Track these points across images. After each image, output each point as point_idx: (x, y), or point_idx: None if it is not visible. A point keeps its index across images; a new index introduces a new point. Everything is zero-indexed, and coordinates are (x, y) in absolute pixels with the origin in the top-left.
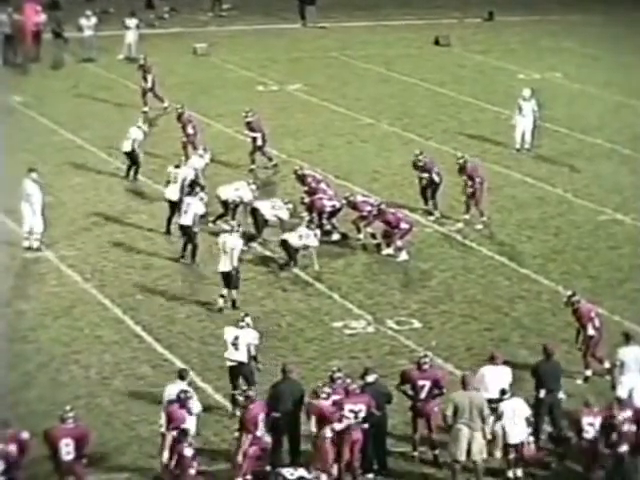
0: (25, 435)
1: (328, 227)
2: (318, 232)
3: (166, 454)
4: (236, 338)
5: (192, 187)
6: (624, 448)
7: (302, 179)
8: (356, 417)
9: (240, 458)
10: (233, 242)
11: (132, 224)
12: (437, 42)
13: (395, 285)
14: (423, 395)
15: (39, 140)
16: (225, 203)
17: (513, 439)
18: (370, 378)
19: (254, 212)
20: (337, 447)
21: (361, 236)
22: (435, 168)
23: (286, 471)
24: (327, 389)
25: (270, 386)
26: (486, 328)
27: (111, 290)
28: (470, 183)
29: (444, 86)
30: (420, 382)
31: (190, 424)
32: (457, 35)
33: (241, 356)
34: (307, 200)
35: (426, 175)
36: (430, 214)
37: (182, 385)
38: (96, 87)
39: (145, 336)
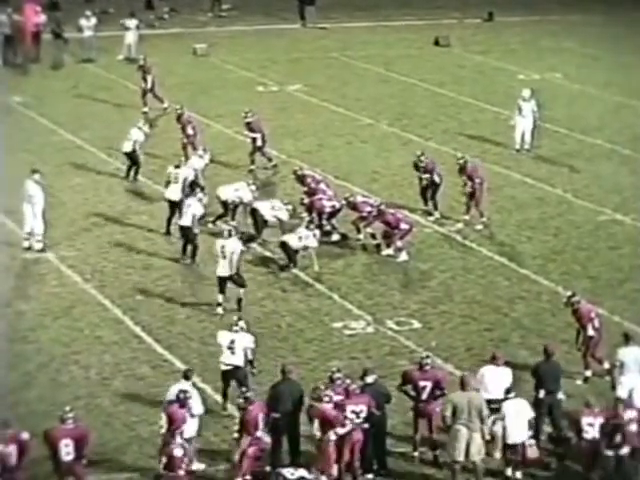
0: (25, 435)
1: (328, 228)
2: (318, 232)
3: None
4: (232, 342)
5: (192, 188)
6: (627, 449)
7: (302, 179)
8: (358, 417)
9: (237, 457)
10: (232, 246)
11: (132, 225)
12: (437, 42)
13: (395, 285)
14: (425, 396)
15: (39, 140)
16: (225, 203)
17: (513, 439)
18: (369, 379)
19: (254, 213)
20: (339, 448)
21: (361, 236)
22: (436, 169)
23: (286, 471)
24: (330, 392)
25: (270, 387)
26: (486, 328)
27: (111, 291)
28: (470, 183)
29: (444, 86)
30: (422, 383)
31: (192, 425)
32: (457, 35)
33: (237, 360)
34: (307, 200)
35: (427, 176)
36: (430, 215)
37: (186, 385)
38: (96, 87)
39: (145, 337)
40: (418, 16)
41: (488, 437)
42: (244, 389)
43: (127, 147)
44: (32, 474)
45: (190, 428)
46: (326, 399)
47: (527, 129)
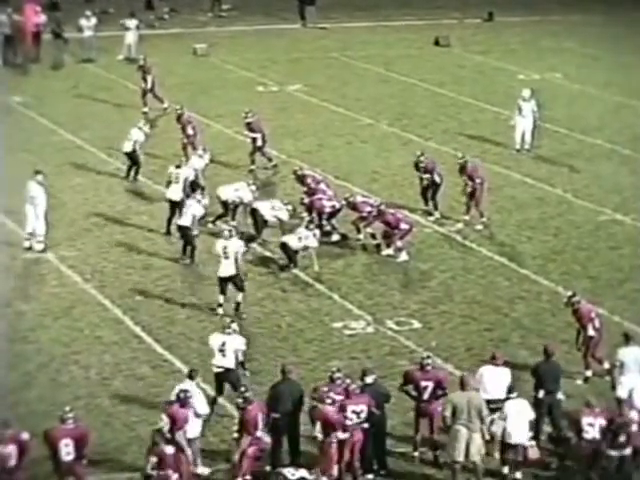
0: (25, 436)
1: (328, 228)
2: (317, 232)
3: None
4: (223, 344)
5: (192, 188)
6: (630, 450)
7: (302, 179)
8: (358, 417)
9: (237, 457)
10: (235, 246)
11: (132, 225)
12: (437, 42)
13: (395, 285)
14: (426, 396)
15: (39, 140)
16: (225, 203)
17: (514, 440)
18: (369, 379)
19: (254, 213)
20: (340, 450)
21: (361, 237)
22: (437, 169)
23: (287, 471)
24: (332, 394)
25: (270, 387)
26: (486, 328)
27: (111, 291)
28: (470, 183)
29: (444, 86)
30: (423, 383)
31: (195, 426)
32: (457, 35)
33: (228, 362)
34: (307, 200)
35: (427, 176)
36: (430, 215)
37: (190, 385)
38: (96, 88)
39: (145, 337)
40: (418, 16)
41: (488, 437)
42: (243, 389)
43: (127, 147)
44: (32, 474)
45: (194, 428)
46: (328, 401)
47: (527, 129)
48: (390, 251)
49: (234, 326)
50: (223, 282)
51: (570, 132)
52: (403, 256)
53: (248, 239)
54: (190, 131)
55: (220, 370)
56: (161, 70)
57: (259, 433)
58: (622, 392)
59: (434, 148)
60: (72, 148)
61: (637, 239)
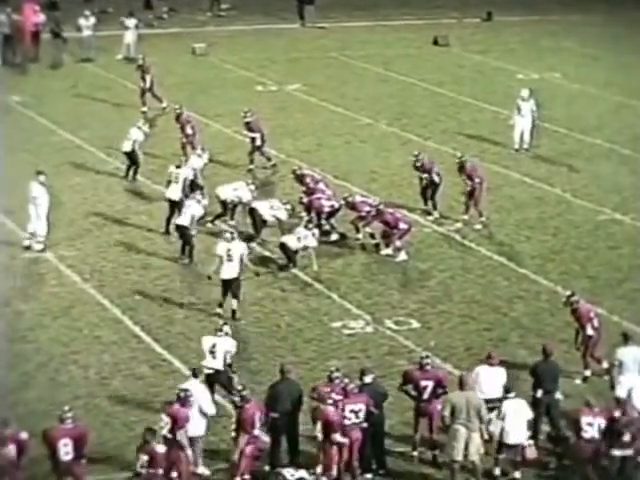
0: (24, 435)
1: (327, 227)
2: (317, 232)
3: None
4: (213, 346)
5: (191, 188)
6: (632, 450)
7: (301, 179)
8: (356, 417)
9: (236, 457)
10: (240, 249)
11: (131, 224)
12: (436, 42)
13: (394, 285)
14: (426, 396)
15: (38, 140)
16: (224, 203)
17: (511, 440)
18: (368, 378)
19: (252, 212)
20: (340, 451)
21: (360, 236)
22: (435, 168)
23: (286, 472)
24: (334, 395)
25: (269, 386)
26: (485, 328)
27: (110, 290)
28: (469, 183)
29: (443, 86)
30: (423, 382)
31: (200, 424)
32: (456, 35)
33: (218, 364)
34: (305, 200)
35: (426, 176)
36: (429, 214)
37: (194, 383)
38: (95, 87)
39: (144, 336)
40: (417, 16)
41: (487, 437)
42: (240, 387)
43: (127, 147)
44: (31, 474)
45: (198, 427)
46: (330, 401)
47: (526, 129)
48: (389, 251)
49: (226, 328)
50: (226, 284)
51: (569, 132)
52: (402, 256)
53: (247, 239)
54: (189, 130)
55: (210, 372)
56: (160, 69)
57: (256, 432)
58: (621, 392)
59: (433, 148)
60: (71, 148)
61: (636, 239)
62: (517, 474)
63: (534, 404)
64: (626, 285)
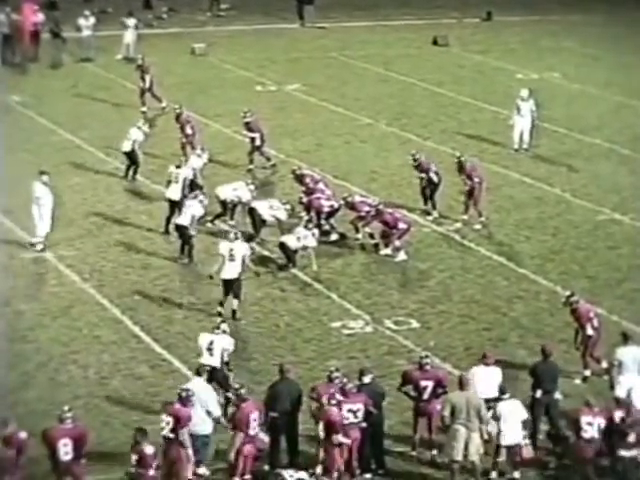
0: (23, 435)
1: (326, 227)
2: (316, 232)
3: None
4: (211, 343)
5: (191, 187)
6: (637, 450)
7: (300, 179)
8: (355, 417)
9: (232, 456)
10: (242, 249)
11: (131, 224)
12: (436, 42)
13: (393, 285)
14: (426, 396)
15: (37, 140)
16: (224, 203)
17: (507, 441)
18: (366, 379)
19: (252, 212)
20: (342, 451)
21: (359, 236)
22: (433, 168)
23: (286, 472)
24: (338, 396)
25: (268, 386)
26: (484, 328)
27: (110, 290)
28: (469, 182)
29: (443, 86)
30: (423, 383)
31: (208, 426)
32: (456, 35)
33: (215, 361)
34: (305, 200)
35: (423, 175)
36: (428, 214)
37: (198, 382)
38: (94, 87)
39: (143, 336)
40: (417, 16)
41: (486, 437)
42: (237, 386)
43: (126, 146)
44: (30, 474)
45: (203, 426)
46: (333, 402)
47: (525, 129)
48: (388, 251)
49: (224, 326)
50: (227, 284)
51: (569, 132)
52: (401, 256)
53: (247, 239)
54: (189, 130)
55: (207, 369)
56: (159, 69)
57: (252, 431)
58: (620, 392)
59: (433, 147)
60: (71, 147)
61: (636, 239)
62: (516, 474)
63: (533, 404)
64: (625, 285)
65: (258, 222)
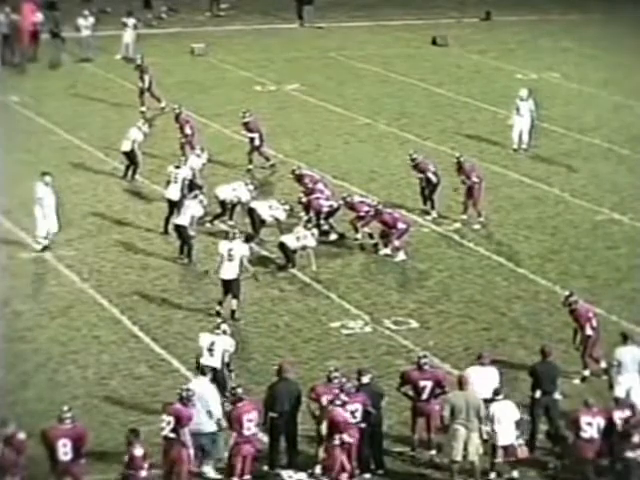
0: (22, 435)
1: (325, 227)
2: (315, 232)
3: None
4: (212, 344)
5: (191, 188)
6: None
7: (299, 179)
8: (353, 417)
9: (227, 455)
10: (241, 249)
11: (130, 224)
12: (434, 42)
13: (392, 285)
14: (425, 396)
15: (37, 140)
16: (223, 203)
17: (501, 442)
18: (365, 379)
19: (251, 212)
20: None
21: (359, 236)
22: (431, 168)
23: (285, 473)
24: (343, 397)
25: (267, 386)
26: (484, 328)
27: (109, 290)
28: (468, 182)
29: (442, 86)
30: (422, 383)
31: (210, 426)
32: (454, 35)
33: (215, 362)
34: (304, 200)
35: (421, 175)
36: (427, 214)
37: (202, 381)
38: (94, 87)
39: (142, 336)
40: (416, 16)
41: (486, 437)
42: (234, 385)
43: (126, 146)
44: (29, 474)
45: (212, 423)
46: (338, 402)
47: (525, 128)
48: (388, 251)
49: (224, 327)
50: (226, 284)
51: (568, 132)
52: (401, 256)
53: (246, 239)
54: (188, 130)
55: (207, 369)
56: (159, 69)
57: (247, 431)
58: (620, 392)
59: (432, 147)
60: (70, 147)
61: (635, 239)
62: (515, 473)
63: (533, 405)
64: (625, 285)
65: (257, 222)
